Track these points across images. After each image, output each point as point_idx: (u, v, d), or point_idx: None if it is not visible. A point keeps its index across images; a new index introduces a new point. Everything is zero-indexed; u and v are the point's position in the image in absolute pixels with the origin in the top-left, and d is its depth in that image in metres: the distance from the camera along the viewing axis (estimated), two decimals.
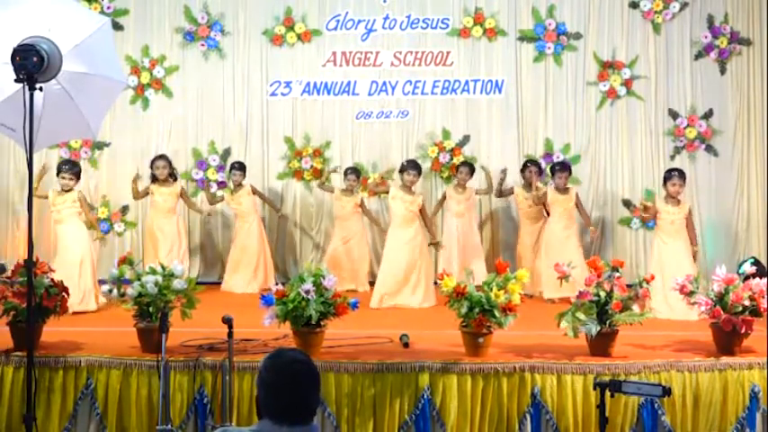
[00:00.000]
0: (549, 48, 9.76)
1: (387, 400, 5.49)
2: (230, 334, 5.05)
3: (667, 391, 4.28)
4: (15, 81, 4.48)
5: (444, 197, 9.26)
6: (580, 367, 5.56)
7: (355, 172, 9.28)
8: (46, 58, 4.54)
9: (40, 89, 4.53)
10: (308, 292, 5.59)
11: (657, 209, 7.97)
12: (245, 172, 9.30)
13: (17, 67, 4.46)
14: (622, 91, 9.73)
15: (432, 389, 5.50)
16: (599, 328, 5.65)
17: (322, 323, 5.69)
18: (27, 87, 4.46)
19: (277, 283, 6.07)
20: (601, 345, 5.71)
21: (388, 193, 8.54)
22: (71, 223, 7.92)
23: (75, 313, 7.10)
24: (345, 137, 9.87)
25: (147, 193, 9.05)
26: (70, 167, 8.09)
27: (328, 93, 9.83)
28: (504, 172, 9.38)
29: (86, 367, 5.58)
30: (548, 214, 8.93)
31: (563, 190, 8.76)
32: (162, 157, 9.08)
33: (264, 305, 5.71)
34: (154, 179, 8.99)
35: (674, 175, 7.97)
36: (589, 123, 9.78)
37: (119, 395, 5.54)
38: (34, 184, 7.75)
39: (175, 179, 9.11)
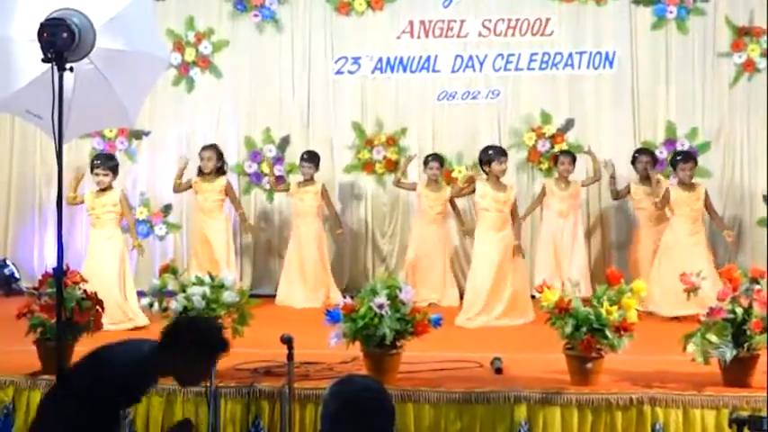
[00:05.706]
0: (670, 12, 9.62)
1: None
2: (290, 356, 5.07)
3: None
4: (43, 61, 4.57)
5: (544, 192, 9.20)
6: (712, 400, 5.51)
7: (438, 159, 9.30)
8: (77, 34, 4.61)
9: (71, 69, 4.60)
10: (381, 306, 5.61)
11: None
12: (317, 164, 9.35)
13: (45, 45, 4.55)
14: (762, 63, 9.54)
15: (530, 423, 5.48)
16: (735, 353, 5.57)
17: (398, 343, 5.71)
18: (56, 68, 4.54)
19: (345, 297, 6.09)
20: (737, 372, 5.64)
21: (474, 192, 8.43)
22: (108, 229, 8.05)
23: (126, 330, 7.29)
24: (424, 122, 9.89)
25: (190, 186, 9.14)
26: (104, 161, 8.23)
27: (404, 70, 9.86)
28: (612, 165, 9.22)
29: None
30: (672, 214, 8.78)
31: (688, 186, 8.62)
32: (211, 146, 9.18)
33: (330, 322, 5.75)
34: (200, 171, 9.10)
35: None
36: (721, 103, 9.64)
37: (161, 427, 5.62)
38: (71, 193, 8.06)
39: (223, 173, 9.18)
